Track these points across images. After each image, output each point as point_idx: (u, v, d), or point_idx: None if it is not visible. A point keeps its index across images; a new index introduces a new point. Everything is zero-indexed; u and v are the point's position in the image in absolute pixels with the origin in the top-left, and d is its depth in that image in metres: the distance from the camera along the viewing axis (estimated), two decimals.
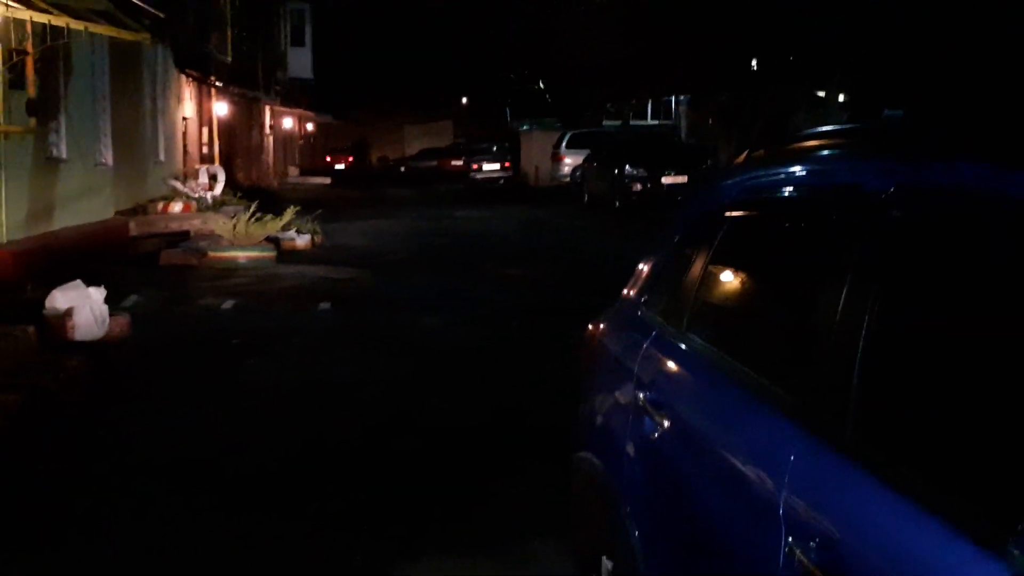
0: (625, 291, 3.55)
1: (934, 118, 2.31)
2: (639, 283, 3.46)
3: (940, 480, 1.72)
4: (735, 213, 2.97)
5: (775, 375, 2.37)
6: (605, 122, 39.02)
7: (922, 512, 1.69)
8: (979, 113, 2.18)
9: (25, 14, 12.26)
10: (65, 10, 12.55)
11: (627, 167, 24.41)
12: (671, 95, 37.91)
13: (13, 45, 12.30)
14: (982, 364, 1.75)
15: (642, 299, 3.38)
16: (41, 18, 12.53)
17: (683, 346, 2.94)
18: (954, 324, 1.86)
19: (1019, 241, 1.70)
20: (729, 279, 2.99)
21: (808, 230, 2.53)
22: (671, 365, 2.97)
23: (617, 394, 3.21)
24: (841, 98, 26.24)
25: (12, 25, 12.22)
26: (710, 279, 2.99)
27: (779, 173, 2.79)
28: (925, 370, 1.89)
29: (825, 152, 2.58)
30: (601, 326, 3.67)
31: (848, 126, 2.76)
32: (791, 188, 2.68)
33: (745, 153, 3.15)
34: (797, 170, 2.66)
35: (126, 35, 14.55)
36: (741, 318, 2.83)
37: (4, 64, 12.06)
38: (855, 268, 2.13)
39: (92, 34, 14.32)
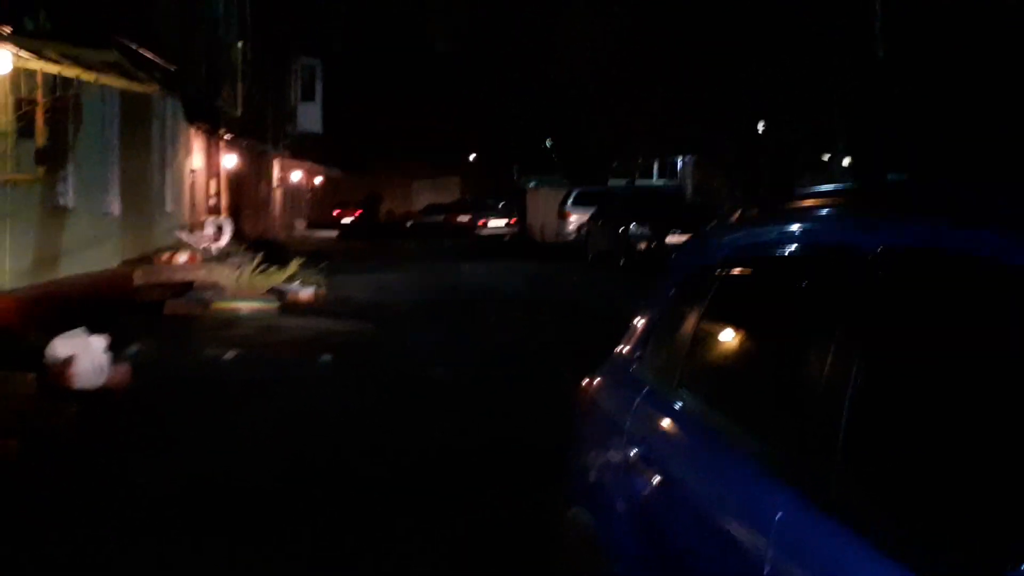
0: (618, 347, 3.55)
1: (920, 180, 2.33)
2: (632, 340, 3.47)
3: (923, 540, 1.71)
4: (727, 271, 2.98)
5: (763, 433, 2.37)
6: (611, 180, 39.22)
7: (906, 570, 1.68)
8: (966, 176, 2.19)
9: (36, 65, 12.42)
10: (76, 61, 12.71)
11: (632, 225, 24.49)
12: (677, 155, 38.14)
13: (24, 95, 12.45)
14: (966, 423, 1.75)
15: (635, 355, 3.38)
16: (52, 69, 12.70)
17: (674, 403, 2.94)
18: (938, 384, 1.86)
19: (1000, 302, 1.71)
20: (720, 337, 2.99)
21: (798, 289, 2.54)
22: (662, 422, 2.97)
23: (609, 450, 3.20)
24: (846, 161, 26.39)
25: (23, 75, 12.38)
26: (701, 336, 2.99)
27: (771, 232, 2.81)
28: (910, 429, 1.89)
29: (816, 212, 2.60)
30: (595, 382, 3.67)
31: (840, 186, 2.78)
32: (783, 247, 2.69)
33: (738, 211, 3.17)
34: (788, 229, 2.68)
35: (136, 87, 14.72)
36: (731, 376, 2.83)
37: (14, 113, 12.19)
38: (842, 327, 2.14)
39: (103, 85, 14.49)
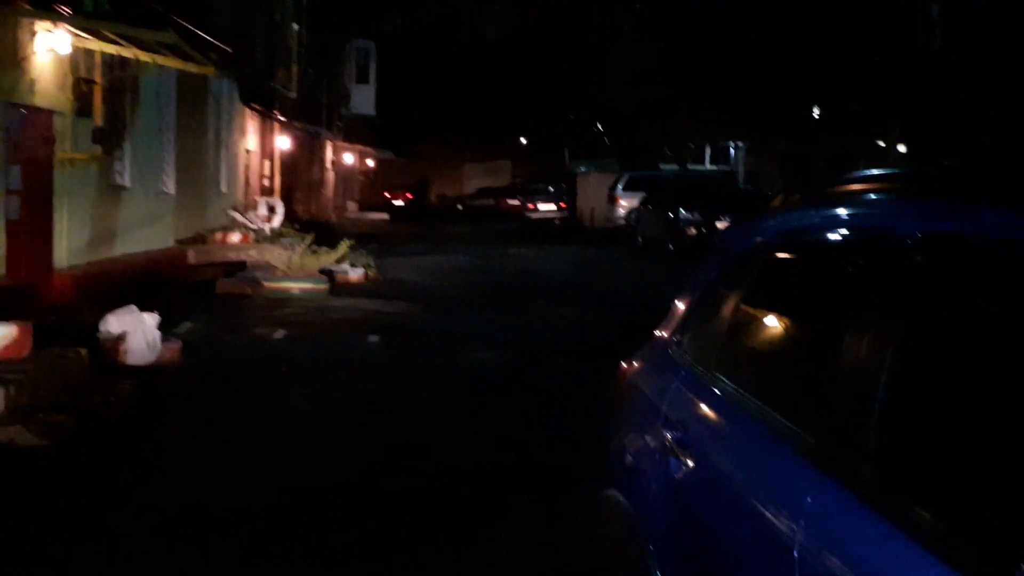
0: (658, 330, 3.56)
1: (963, 166, 2.30)
2: (672, 323, 3.47)
3: (953, 526, 1.71)
4: (768, 256, 2.97)
5: (796, 417, 2.37)
6: (663, 165, 39.00)
7: (933, 558, 1.68)
8: (1010, 162, 2.17)
9: (95, 45, 12.62)
10: (133, 42, 12.89)
11: (682, 211, 24.35)
12: (730, 140, 37.83)
13: (83, 74, 12.65)
14: (998, 413, 1.74)
15: (674, 339, 3.38)
16: (110, 49, 12.89)
17: (710, 386, 2.93)
18: (973, 373, 1.85)
19: None
20: (759, 320, 2.98)
21: (838, 273, 2.53)
22: (698, 405, 2.97)
23: (645, 433, 3.21)
24: (902, 148, 26.03)
25: (82, 55, 12.57)
26: (740, 320, 2.99)
27: (814, 217, 2.79)
28: (942, 415, 1.88)
29: (857, 197, 2.58)
30: (634, 365, 3.67)
31: (884, 171, 2.75)
32: (823, 232, 2.67)
33: (782, 196, 3.15)
34: (829, 214, 2.66)
35: (192, 68, 14.89)
36: (768, 360, 2.82)
37: (73, 93, 12.40)
38: (879, 312, 2.13)
39: (160, 66, 14.68)
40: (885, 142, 26.67)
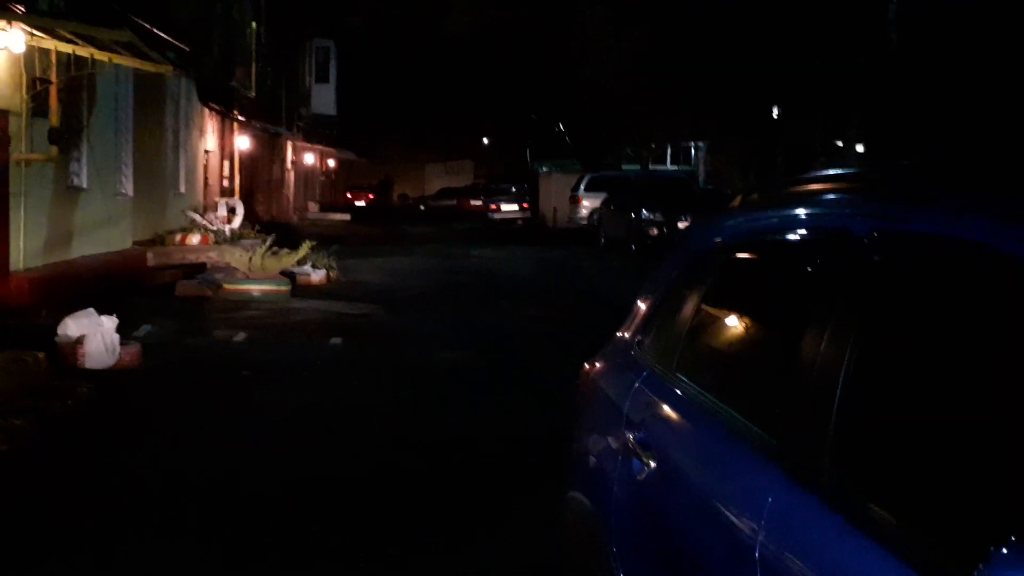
0: (620, 331, 3.56)
1: (917, 164, 2.33)
2: (633, 323, 3.48)
3: (913, 525, 1.72)
4: (727, 255, 2.98)
5: (757, 417, 2.38)
6: (624, 166, 39.12)
7: (893, 557, 1.69)
8: (959, 160, 2.19)
9: (50, 44, 12.45)
10: (90, 41, 12.73)
11: (644, 211, 24.46)
12: (691, 140, 38.03)
13: (38, 74, 12.49)
14: (955, 409, 1.75)
15: (635, 339, 3.39)
16: (66, 48, 12.72)
17: (672, 387, 2.94)
18: (930, 370, 1.87)
19: (994, 289, 1.71)
20: (719, 320, 3.00)
21: (796, 273, 2.54)
22: (660, 406, 2.98)
23: (608, 435, 3.21)
24: (860, 148, 26.28)
25: (37, 54, 12.41)
26: (701, 320, 3.00)
27: (770, 216, 2.81)
28: (901, 413, 1.90)
29: (813, 196, 2.60)
30: (596, 365, 3.68)
31: (840, 171, 2.77)
32: (781, 231, 2.69)
33: (741, 196, 3.17)
34: (786, 213, 2.68)
35: (149, 67, 14.74)
36: (728, 359, 2.84)
37: (28, 93, 12.23)
38: (837, 311, 2.14)
39: (116, 65, 14.52)
40: (843, 141, 26.92)
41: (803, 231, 2.57)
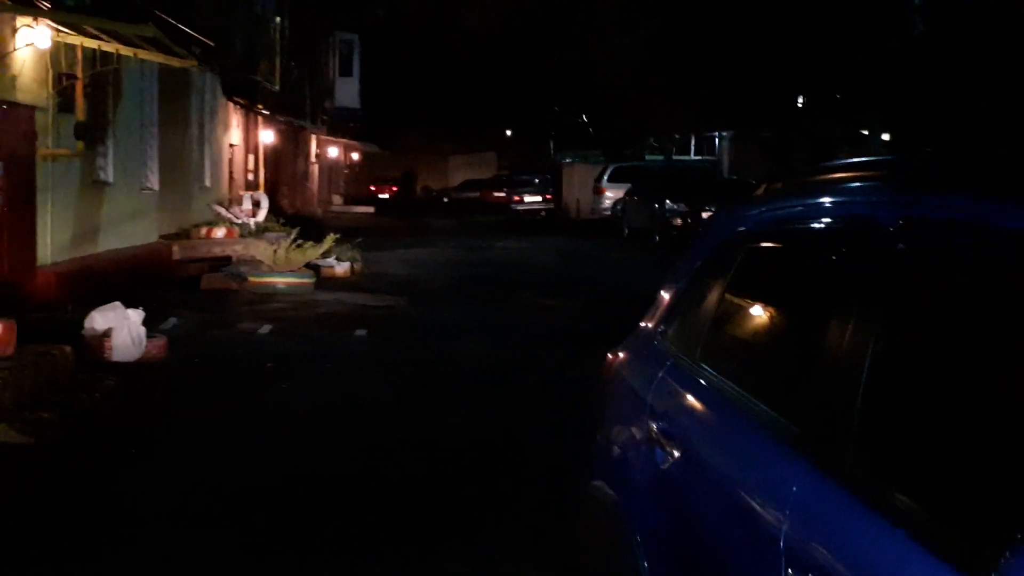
0: (644, 321, 3.56)
1: (943, 153, 2.31)
2: (657, 313, 3.47)
3: (939, 514, 1.71)
4: (751, 244, 2.97)
5: (781, 406, 2.37)
6: (648, 156, 39.03)
7: (916, 545, 1.68)
8: (986, 148, 2.17)
9: (76, 40, 12.54)
10: (115, 36, 12.81)
11: (667, 202, 24.41)
12: (714, 131, 37.87)
13: (63, 69, 12.57)
14: (981, 396, 1.74)
15: (659, 329, 3.38)
16: (91, 44, 12.81)
17: (695, 376, 2.94)
18: (955, 359, 1.85)
19: (1018, 275, 1.70)
20: (743, 309, 2.99)
21: (821, 262, 2.53)
22: (683, 396, 2.97)
23: (631, 424, 3.21)
24: (886, 136, 26.10)
25: (63, 50, 12.49)
26: (724, 309, 2.99)
27: (796, 205, 2.79)
28: (926, 402, 1.88)
29: (837, 185, 2.59)
30: (620, 355, 3.67)
31: (865, 160, 2.75)
32: (805, 220, 2.68)
33: (764, 185, 3.15)
34: (810, 202, 2.66)
35: (174, 62, 14.81)
36: (752, 349, 2.83)
37: (54, 88, 12.32)
38: (862, 300, 2.13)
39: (141, 60, 14.59)
40: (868, 130, 26.73)
41: (827, 219, 2.55)
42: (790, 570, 2.00)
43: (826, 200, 2.60)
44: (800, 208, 2.75)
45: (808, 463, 2.09)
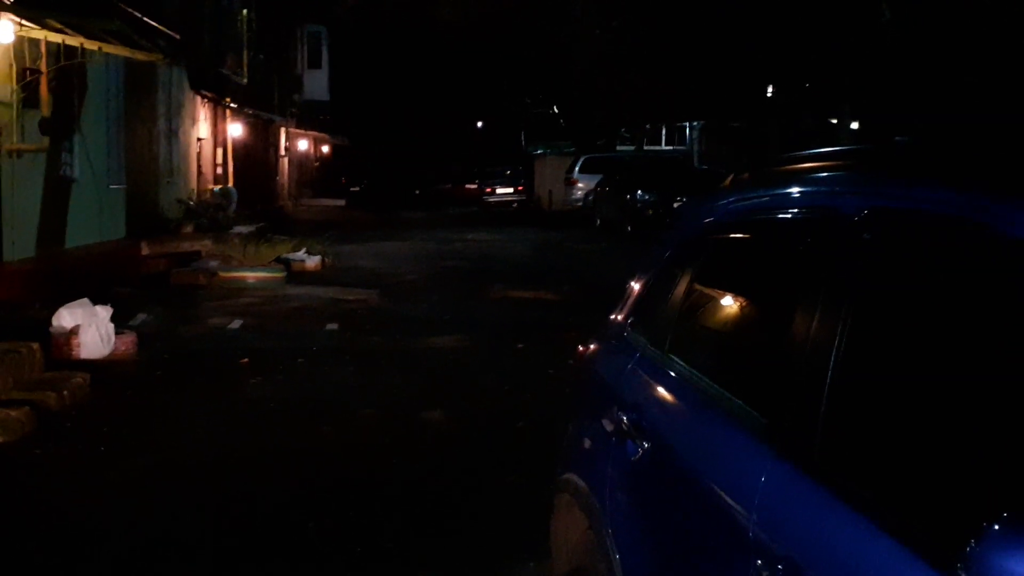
0: (614, 312, 3.55)
1: (908, 142, 2.31)
2: (627, 305, 3.47)
3: (906, 504, 1.71)
4: (719, 235, 2.97)
5: (749, 397, 2.37)
6: (619, 147, 39.05)
7: (884, 535, 1.68)
8: (949, 138, 2.18)
9: (40, 34, 12.39)
10: (79, 30, 12.67)
11: (639, 192, 24.44)
12: (685, 121, 37.94)
13: (27, 64, 12.43)
14: (948, 386, 1.74)
15: (628, 321, 3.38)
16: (55, 38, 12.66)
17: (665, 368, 2.94)
18: (921, 349, 1.86)
19: (982, 264, 1.70)
20: (711, 301, 2.99)
21: (787, 252, 2.53)
22: (652, 387, 2.97)
23: (602, 416, 3.20)
24: (854, 125, 26.22)
25: (27, 44, 12.35)
26: (693, 300, 2.99)
27: (763, 196, 2.79)
28: (893, 392, 1.89)
29: (804, 175, 2.59)
30: (591, 347, 3.67)
31: (831, 149, 2.76)
32: (772, 210, 2.68)
33: (732, 175, 3.15)
34: (777, 192, 2.67)
35: (140, 55, 14.68)
36: (720, 340, 2.83)
37: (18, 83, 12.17)
38: (828, 291, 2.13)
39: (107, 54, 14.44)
40: (837, 120, 26.86)
41: (793, 210, 2.55)
42: (759, 560, 2.00)
43: (792, 190, 2.60)
44: (767, 199, 2.76)
45: (776, 454, 2.10)
